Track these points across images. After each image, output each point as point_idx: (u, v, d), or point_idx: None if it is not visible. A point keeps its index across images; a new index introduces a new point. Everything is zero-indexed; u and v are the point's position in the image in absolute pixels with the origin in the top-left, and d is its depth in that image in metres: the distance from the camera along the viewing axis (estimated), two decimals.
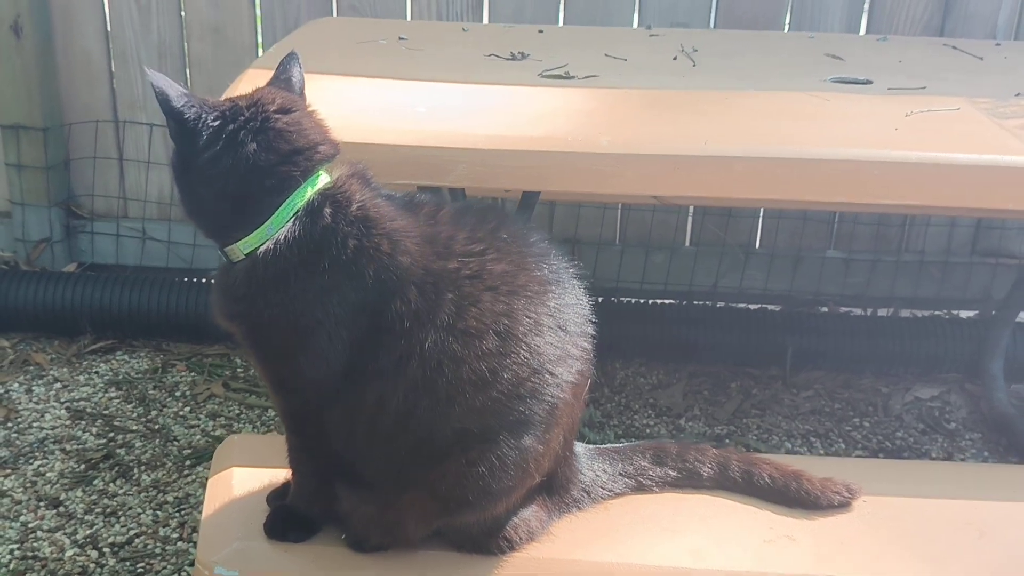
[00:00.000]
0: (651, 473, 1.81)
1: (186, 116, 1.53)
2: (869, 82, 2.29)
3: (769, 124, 2.03)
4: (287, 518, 1.71)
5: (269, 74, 1.76)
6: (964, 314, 3.31)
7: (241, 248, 1.56)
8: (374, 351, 1.53)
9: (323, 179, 1.56)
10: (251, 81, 2.01)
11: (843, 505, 1.81)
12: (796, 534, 1.75)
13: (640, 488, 1.81)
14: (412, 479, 1.59)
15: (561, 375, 1.58)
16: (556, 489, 1.72)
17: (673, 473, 1.82)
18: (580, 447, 1.79)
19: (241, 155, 1.53)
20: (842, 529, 1.77)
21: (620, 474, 1.80)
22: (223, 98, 1.69)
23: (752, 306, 3.28)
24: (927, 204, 2.14)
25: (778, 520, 1.78)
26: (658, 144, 1.90)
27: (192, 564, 2.25)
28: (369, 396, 1.55)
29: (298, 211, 1.53)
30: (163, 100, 1.52)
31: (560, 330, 1.58)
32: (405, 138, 1.88)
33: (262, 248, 1.53)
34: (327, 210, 1.53)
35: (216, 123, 1.54)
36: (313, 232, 1.52)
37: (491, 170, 1.87)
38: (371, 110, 2.04)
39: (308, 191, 1.54)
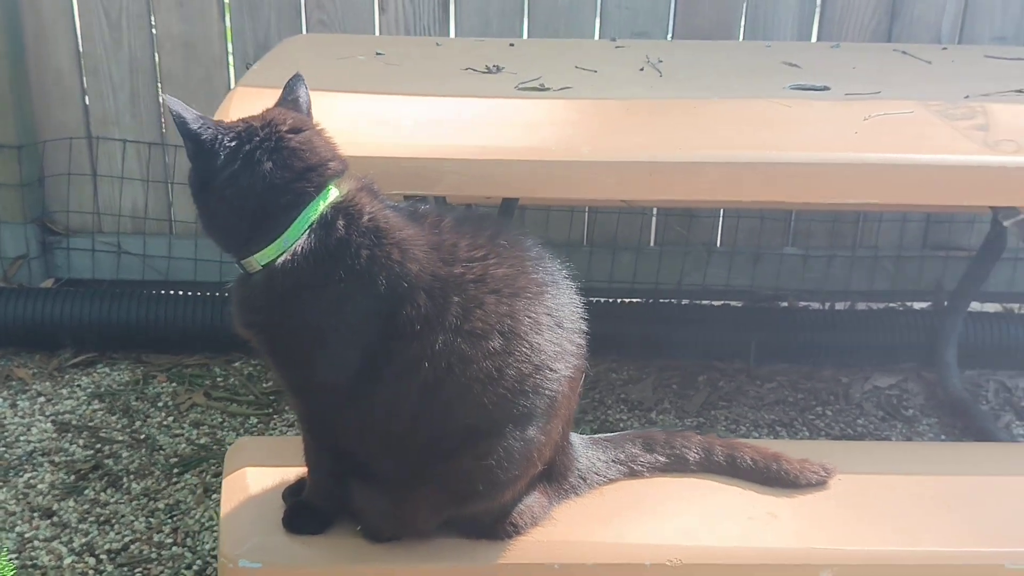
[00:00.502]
0: (642, 459, 1.88)
1: (203, 137, 1.58)
2: (826, 88, 2.34)
3: (736, 130, 2.11)
4: (304, 512, 1.76)
5: (257, 91, 1.81)
6: (918, 305, 3.38)
7: (258, 260, 1.60)
8: (387, 355, 1.59)
9: (334, 193, 1.61)
10: (241, 99, 2.06)
11: (820, 484, 1.89)
12: (778, 511, 1.83)
13: (632, 474, 1.88)
14: (424, 474, 1.65)
15: (560, 370, 1.66)
16: (555, 477, 1.79)
17: (662, 459, 1.89)
18: (576, 437, 1.86)
19: (258, 173, 1.58)
20: (820, 506, 1.85)
21: (613, 461, 1.87)
22: (216, 116, 1.76)
23: (715, 302, 3.34)
24: (887, 202, 2.26)
25: (761, 499, 1.86)
26: (637, 152, 1.99)
27: (189, 567, 2.29)
28: (382, 398, 1.61)
29: (312, 224, 1.58)
30: (180, 123, 1.58)
31: (557, 328, 1.66)
32: (397, 150, 1.95)
33: (280, 260, 1.58)
34: (340, 222, 1.59)
35: (232, 143, 1.59)
36: (328, 243, 1.58)
37: (480, 179, 1.94)
38: (360, 124, 2.09)
39: (321, 205, 1.59)
